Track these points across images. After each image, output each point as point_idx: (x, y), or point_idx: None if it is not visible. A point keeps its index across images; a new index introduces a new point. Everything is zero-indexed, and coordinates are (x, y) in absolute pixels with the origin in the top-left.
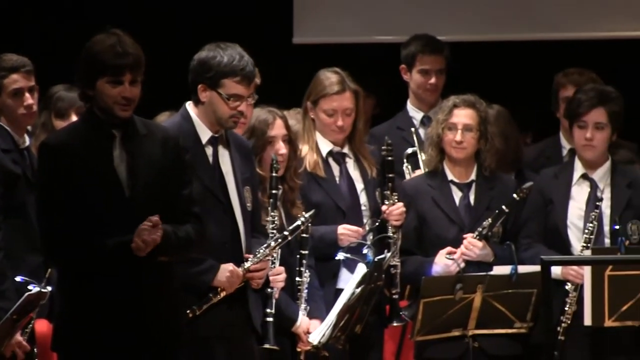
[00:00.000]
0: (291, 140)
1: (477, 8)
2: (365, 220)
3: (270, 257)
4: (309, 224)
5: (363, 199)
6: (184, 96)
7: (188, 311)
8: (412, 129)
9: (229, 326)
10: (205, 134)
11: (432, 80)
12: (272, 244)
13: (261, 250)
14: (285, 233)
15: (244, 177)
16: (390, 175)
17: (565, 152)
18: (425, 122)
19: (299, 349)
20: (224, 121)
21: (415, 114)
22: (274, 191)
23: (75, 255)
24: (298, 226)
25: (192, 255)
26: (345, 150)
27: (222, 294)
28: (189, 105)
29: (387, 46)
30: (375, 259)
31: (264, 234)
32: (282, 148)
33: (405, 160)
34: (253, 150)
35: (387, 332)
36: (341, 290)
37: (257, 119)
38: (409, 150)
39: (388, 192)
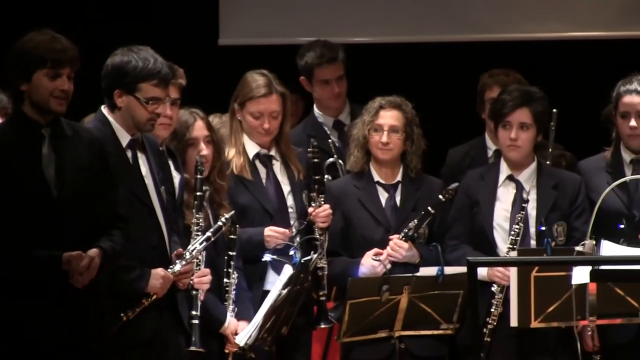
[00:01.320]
0: (214, 141)
1: (401, 9)
2: (292, 222)
3: (196, 259)
4: (236, 226)
5: (290, 201)
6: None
7: (122, 314)
8: (330, 140)
9: (159, 330)
10: (124, 138)
11: (335, 89)
12: (198, 246)
13: (188, 253)
14: (209, 234)
15: (160, 178)
16: (317, 177)
17: (490, 153)
18: (337, 126)
19: (226, 351)
20: (142, 125)
21: (323, 119)
22: (198, 193)
23: (2, 263)
24: (220, 227)
25: (121, 261)
26: (272, 152)
27: (154, 298)
28: (105, 110)
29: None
30: (302, 261)
31: (177, 234)
32: (204, 149)
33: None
34: (177, 152)
35: (314, 334)
36: (268, 291)
37: (178, 121)
38: (328, 161)
39: (315, 194)
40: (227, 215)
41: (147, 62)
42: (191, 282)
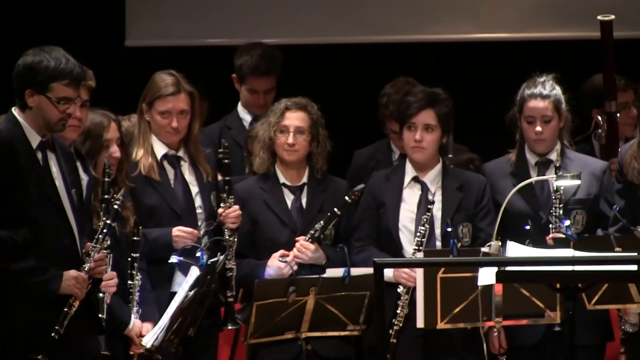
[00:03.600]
0: (123, 143)
1: (308, 11)
2: (200, 223)
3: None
4: (139, 227)
5: (198, 202)
6: None
7: (53, 334)
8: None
9: (73, 331)
10: (34, 139)
11: (261, 101)
12: (100, 236)
13: (92, 245)
14: (108, 221)
15: (70, 180)
16: (227, 178)
17: (395, 156)
18: (253, 123)
19: (131, 352)
20: (53, 125)
21: (245, 115)
22: (106, 196)
23: None
24: (117, 211)
25: (31, 262)
26: (181, 153)
27: (76, 304)
28: (15, 111)
29: (221, 49)
30: (209, 262)
31: (87, 236)
32: (116, 151)
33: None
34: (89, 154)
35: (221, 336)
36: (175, 293)
37: (92, 122)
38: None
39: (224, 195)
40: (119, 196)
41: (59, 62)
42: (102, 282)
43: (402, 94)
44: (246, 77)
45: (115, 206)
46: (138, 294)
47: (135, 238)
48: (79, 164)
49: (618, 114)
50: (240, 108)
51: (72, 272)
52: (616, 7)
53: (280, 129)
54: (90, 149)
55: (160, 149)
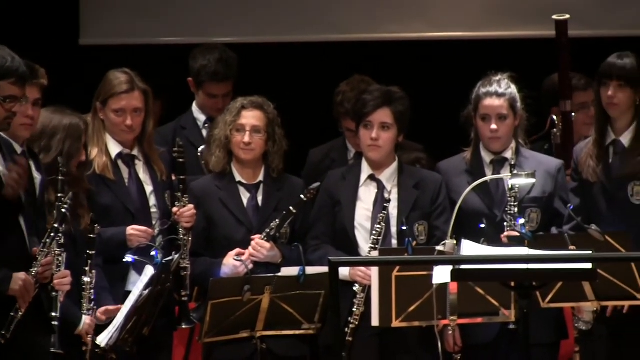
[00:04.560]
0: (86, 143)
1: (262, 10)
2: (154, 222)
3: (53, 253)
4: (96, 225)
5: (153, 201)
6: None
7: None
8: (203, 131)
9: (23, 330)
10: None
11: (219, 105)
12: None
13: (39, 249)
14: (55, 225)
15: None
16: (182, 177)
17: (351, 155)
18: (207, 123)
19: (84, 349)
20: None
21: (199, 115)
22: (59, 194)
23: None
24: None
25: None
26: (135, 152)
27: (22, 309)
28: None
29: (175, 48)
30: (164, 261)
31: (37, 236)
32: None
33: (199, 155)
34: (69, 154)
35: (176, 335)
36: (130, 292)
37: (70, 123)
38: (202, 148)
39: (179, 194)
40: (67, 199)
41: (4, 60)
42: (51, 284)
43: (357, 92)
44: (204, 83)
45: (63, 210)
46: (92, 291)
47: (91, 236)
48: (32, 163)
49: (573, 114)
50: (194, 108)
51: (21, 275)
52: (572, 6)
53: (237, 128)
54: (70, 150)
55: (114, 148)
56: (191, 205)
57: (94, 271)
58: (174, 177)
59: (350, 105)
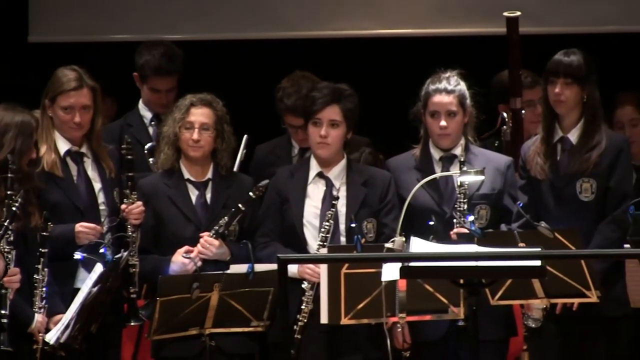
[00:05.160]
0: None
1: (210, 7)
2: (103, 220)
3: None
4: (49, 223)
5: (101, 198)
6: None
7: None
8: (150, 128)
9: None
10: None
11: (163, 100)
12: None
13: None
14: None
15: None
16: (130, 174)
17: (295, 151)
18: (153, 120)
19: (35, 347)
20: None
21: (145, 112)
22: (9, 192)
23: None
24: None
25: None
26: (84, 149)
27: None
28: None
29: (124, 45)
30: (113, 259)
31: None
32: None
33: (145, 153)
34: (21, 151)
35: (125, 332)
36: (79, 289)
37: (22, 121)
38: (149, 145)
39: (127, 191)
40: (18, 197)
41: None
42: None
43: (297, 87)
44: (148, 77)
45: (14, 208)
46: (45, 289)
47: (44, 233)
48: None
49: (523, 111)
50: (141, 105)
51: None
52: (524, 2)
53: (186, 126)
54: (22, 147)
55: (63, 145)
56: (139, 202)
57: (46, 269)
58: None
59: (291, 102)
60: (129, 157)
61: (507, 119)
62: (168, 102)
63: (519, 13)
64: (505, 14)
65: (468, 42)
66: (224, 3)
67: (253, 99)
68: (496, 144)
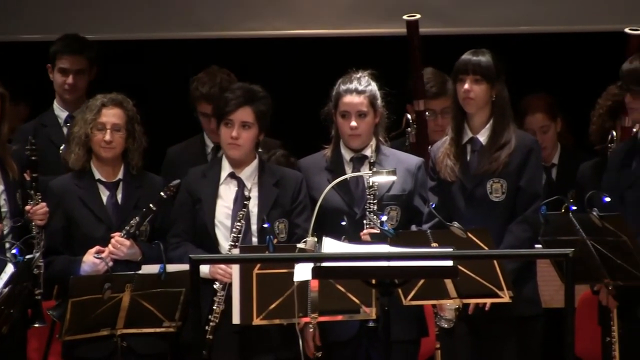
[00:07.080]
0: None
1: (128, 8)
2: (4, 222)
3: None
4: None
5: (2, 200)
6: None
7: None
8: (64, 129)
9: None
10: None
11: (70, 80)
12: None
13: None
14: None
15: None
16: (34, 175)
17: (209, 150)
18: (68, 120)
19: None
20: None
21: (60, 112)
22: None
23: None
24: None
25: None
26: None
27: None
28: None
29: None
30: (25, 259)
31: None
32: None
33: (60, 153)
34: None
35: (36, 332)
36: None
37: None
38: (64, 146)
39: (32, 192)
40: None
41: None
42: None
43: (211, 76)
44: (57, 57)
45: None
46: None
47: None
48: None
49: (427, 113)
50: (55, 105)
51: None
52: (427, 3)
53: (97, 126)
54: None
55: None
56: (43, 204)
57: None
58: (27, 176)
59: (205, 90)
60: (33, 157)
61: (411, 121)
62: (77, 86)
63: (418, 16)
64: (405, 17)
65: (380, 42)
66: (137, 2)
67: (166, 100)
68: (406, 145)
